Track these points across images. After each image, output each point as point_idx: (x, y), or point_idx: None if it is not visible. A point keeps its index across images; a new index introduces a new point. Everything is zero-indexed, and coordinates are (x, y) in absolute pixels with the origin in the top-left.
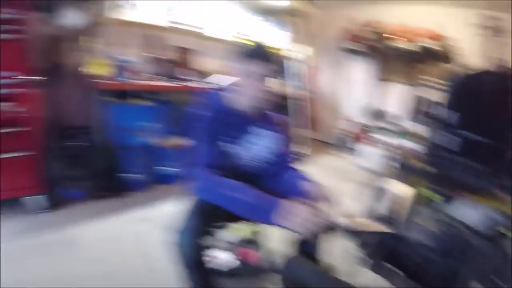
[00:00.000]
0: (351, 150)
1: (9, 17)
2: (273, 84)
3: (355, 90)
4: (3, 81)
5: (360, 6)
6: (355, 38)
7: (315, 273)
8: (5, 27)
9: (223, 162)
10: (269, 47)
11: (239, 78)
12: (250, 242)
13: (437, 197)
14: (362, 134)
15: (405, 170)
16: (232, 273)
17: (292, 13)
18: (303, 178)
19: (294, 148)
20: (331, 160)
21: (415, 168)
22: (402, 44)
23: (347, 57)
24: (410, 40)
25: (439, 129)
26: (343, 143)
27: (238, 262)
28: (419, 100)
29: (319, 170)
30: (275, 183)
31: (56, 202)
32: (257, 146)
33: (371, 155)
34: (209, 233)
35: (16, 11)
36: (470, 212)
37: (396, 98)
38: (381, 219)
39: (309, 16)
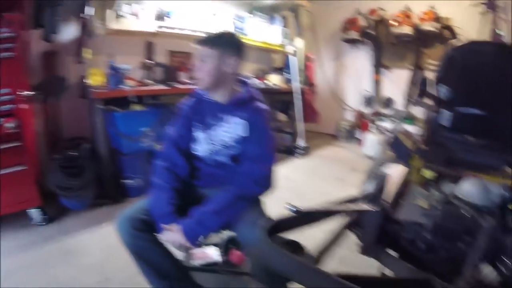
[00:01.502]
0: (357, 140)
1: (6, 36)
2: (272, 78)
3: (358, 80)
4: (2, 97)
5: None
6: (354, 27)
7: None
8: (3, 45)
9: (189, 147)
10: (232, 34)
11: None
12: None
13: (435, 177)
14: (367, 123)
15: (399, 151)
16: (211, 269)
17: (290, 8)
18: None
19: (283, 139)
20: (336, 152)
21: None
22: (401, 29)
23: (348, 47)
24: (409, 25)
25: (433, 107)
26: (348, 134)
27: (222, 259)
28: (420, 83)
29: (323, 162)
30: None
31: (57, 213)
32: (224, 133)
33: (376, 144)
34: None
35: (13, 29)
36: (473, 190)
37: (400, 84)
38: (373, 200)
39: (306, 9)
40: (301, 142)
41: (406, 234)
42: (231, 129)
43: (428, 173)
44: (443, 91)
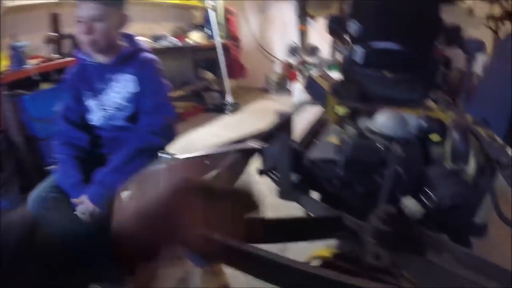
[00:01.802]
0: (288, 91)
1: None
2: (193, 36)
3: (285, 32)
4: None
5: None
6: None
7: None
8: None
9: (84, 118)
10: None
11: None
12: None
13: (349, 113)
14: (295, 73)
15: (315, 92)
16: None
17: None
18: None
19: (212, 98)
20: (267, 105)
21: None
22: None
23: None
24: None
25: (348, 44)
26: (279, 86)
27: None
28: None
29: (253, 116)
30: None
31: None
32: (115, 94)
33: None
34: None
35: None
36: (388, 122)
37: (326, 33)
38: (267, 138)
39: None
40: (229, 99)
41: (319, 172)
42: (121, 89)
43: (341, 110)
44: (354, 27)
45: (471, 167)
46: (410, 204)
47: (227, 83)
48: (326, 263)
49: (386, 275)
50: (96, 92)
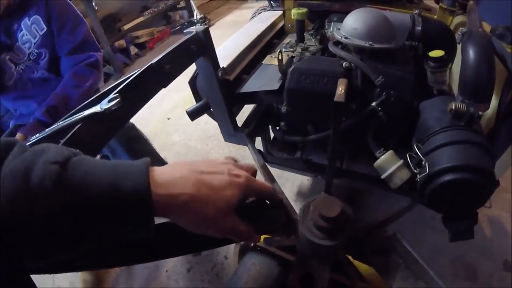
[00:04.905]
0: None
1: None
2: None
3: None
4: None
5: None
6: None
7: None
8: None
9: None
10: None
11: None
12: None
13: (307, 16)
14: None
15: None
16: None
17: None
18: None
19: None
20: (244, 14)
21: None
22: None
23: None
24: None
25: None
26: None
27: None
28: None
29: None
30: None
31: None
32: (26, 44)
33: None
34: None
35: None
36: (362, 26)
37: None
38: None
39: None
40: (197, 14)
41: (261, 107)
42: (31, 35)
43: (296, 13)
44: None
45: (490, 107)
46: (385, 166)
47: None
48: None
49: None
50: (5, 49)
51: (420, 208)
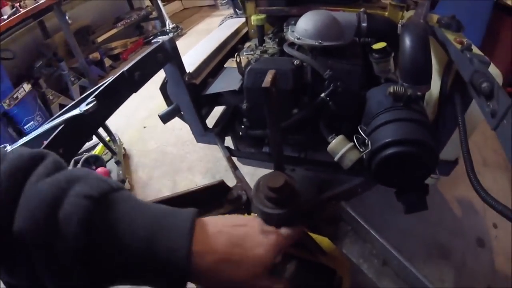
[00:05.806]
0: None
1: None
2: None
3: None
4: None
5: None
6: None
7: None
8: None
9: None
10: None
11: None
12: None
13: (265, 21)
14: None
15: None
16: None
17: None
18: None
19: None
20: (215, 22)
21: None
22: None
23: None
24: None
25: None
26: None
27: None
28: None
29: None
30: None
31: None
32: None
33: None
34: None
35: None
36: (312, 27)
37: None
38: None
39: None
40: (169, 24)
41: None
42: None
43: (256, 19)
44: None
45: (433, 91)
46: (336, 149)
47: (161, 6)
48: None
49: None
50: None
51: (389, 194)
